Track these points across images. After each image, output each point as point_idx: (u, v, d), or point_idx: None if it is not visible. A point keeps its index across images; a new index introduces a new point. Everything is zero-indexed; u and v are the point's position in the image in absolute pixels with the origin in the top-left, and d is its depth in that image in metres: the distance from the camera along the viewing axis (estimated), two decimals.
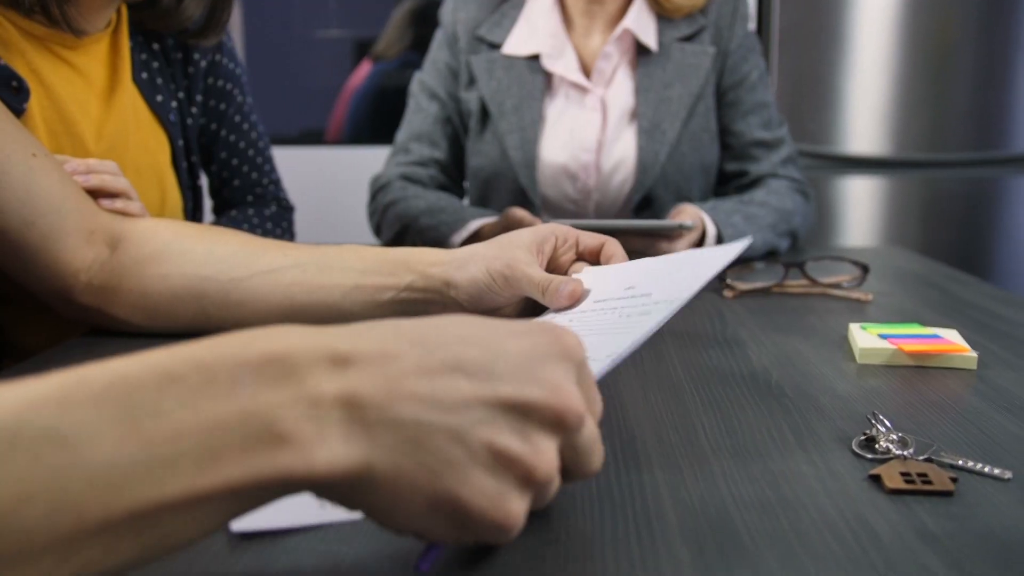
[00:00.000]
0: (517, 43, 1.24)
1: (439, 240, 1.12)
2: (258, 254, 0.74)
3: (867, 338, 0.71)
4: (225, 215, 1.10)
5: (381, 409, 0.33)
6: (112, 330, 0.76)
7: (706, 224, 1.08)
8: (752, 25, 1.30)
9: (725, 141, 1.28)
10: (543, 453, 0.34)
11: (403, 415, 0.33)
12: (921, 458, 0.49)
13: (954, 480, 0.46)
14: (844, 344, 0.74)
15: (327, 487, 0.33)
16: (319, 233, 1.79)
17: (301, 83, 2.52)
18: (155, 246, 0.74)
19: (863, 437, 0.52)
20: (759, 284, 0.95)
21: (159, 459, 0.29)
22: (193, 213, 1.03)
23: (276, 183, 1.16)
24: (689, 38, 1.23)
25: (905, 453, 0.49)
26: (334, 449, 0.32)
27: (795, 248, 1.26)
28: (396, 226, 1.21)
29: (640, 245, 1.01)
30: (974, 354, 0.67)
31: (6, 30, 0.78)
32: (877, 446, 0.51)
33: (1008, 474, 0.47)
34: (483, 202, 1.29)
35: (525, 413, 0.34)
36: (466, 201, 1.34)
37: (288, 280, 0.73)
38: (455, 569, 0.38)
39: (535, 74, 1.23)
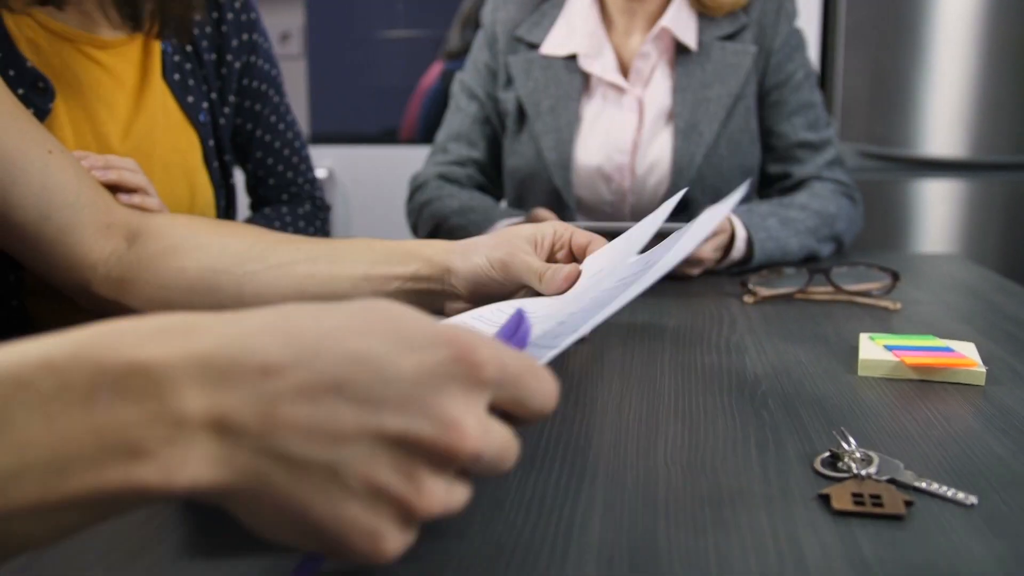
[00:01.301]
0: (555, 43, 1.23)
1: None
2: (271, 248, 0.76)
3: (871, 349, 0.68)
4: (259, 212, 1.12)
5: (254, 438, 0.31)
6: None
7: (735, 227, 1.05)
8: (798, 22, 1.25)
9: (768, 143, 1.24)
10: (428, 493, 0.32)
11: (277, 447, 0.31)
12: (884, 478, 0.46)
13: (909, 504, 0.44)
14: (852, 355, 0.71)
15: (191, 499, 0.31)
16: (392, 230, 1.80)
17: (382, 82, 2.55)
18: (171, 240, 0.77)
19: (827, 454, 0.49)
20: (781, 290, 0.91)
21: (4, 469, 0.28)
22: (226, 211, 1.06)
23: (312, 182, 1.18)
24: (730, 37, 1.20)
25: (864, 472, 0.47)
26: (196, 471, 0.30)
27: (841, 253, 1.21)
28: (430, 225, 1.22)
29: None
30: (982, 369, 0.63)
31: (35, 32, 0.82)
32: (840, 464, 0.48)
33: (972, 499, 0.44)
34: (519, 203, 1.28)
35: (411, 449, 0.32)
36: (504, 203, 1.33)
37: (300, 273, 0.74)
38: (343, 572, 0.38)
39: (572, 74, 1.21)
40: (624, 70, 1.22)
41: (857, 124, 2.04)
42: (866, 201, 1.94)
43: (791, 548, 0.40)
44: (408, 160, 2.80)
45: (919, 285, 0.99)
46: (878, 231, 2.04)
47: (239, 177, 1.15)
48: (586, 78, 1.22)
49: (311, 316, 0.33)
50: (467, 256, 0.71)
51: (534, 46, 1.24)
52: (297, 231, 1.11)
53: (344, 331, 0.33)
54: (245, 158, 1.12)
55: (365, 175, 2.26)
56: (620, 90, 1.20)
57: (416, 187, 1.29)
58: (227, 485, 0.31)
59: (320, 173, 2.28)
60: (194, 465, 0.30)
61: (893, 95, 1.99)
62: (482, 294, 0.72)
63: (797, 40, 1.22)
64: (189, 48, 0.96)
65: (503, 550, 0.39)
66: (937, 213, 2.08)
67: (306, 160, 1.17)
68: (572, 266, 0.68)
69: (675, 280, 1.02)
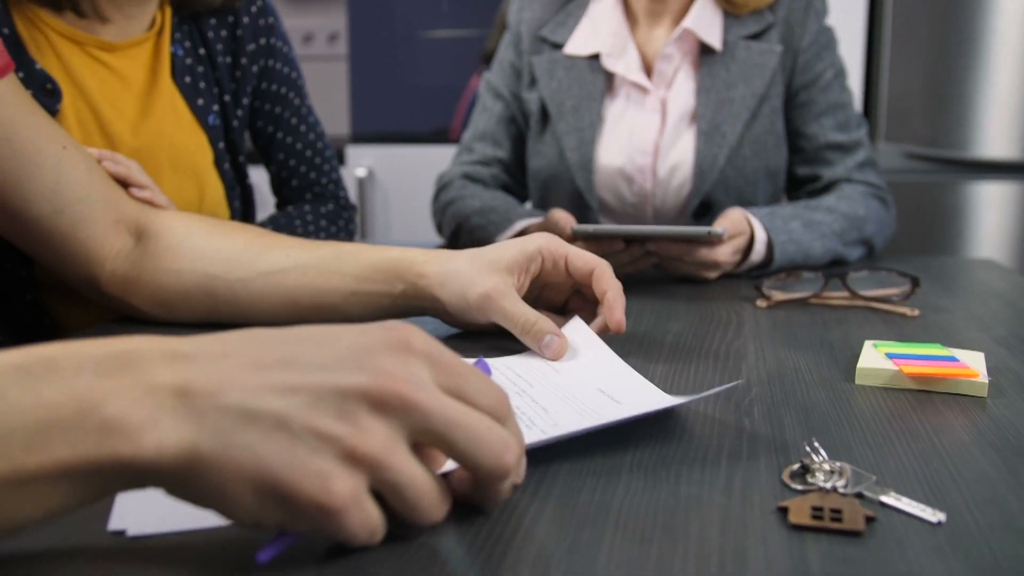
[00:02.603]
0: (579, 43, 1.22)
1: (485, 240, 1.12)
2: (261, 253, 0.76)
3: (872, 357, 0.66)
4: (283, 211, 1.14)
5: (211, 396, 0.35)
6: (137, 318, 0.81)
7: (755, 229, 1.02)
8: (842, 18, 1.22)
9: (797, 144, 1.21)
10: (367, 431, 0.35)
11: (230, 401, 0.35)
12: (852, 492, 0.45)
13: (871, 519, 0.42)
14: (854, 363, 0.68)
15: (160, 474, 0.35)
16: (431, 230, 1.80)
17: (425, 82, 2.55)
18: (170, 240, 0.78)
19: (797, 466, 0.48)
20: (795, 295, 0.89)
21: None
22: (243, 211, 1.07)
23: (336, 182, 1.19)
24: (756, 36, 1.17)
25: (831, 485, 0.45)
26: (162, 433, 0.34)
27: (872, 258, 1.18)
28: (452, 225, 1.22)
29: (678, 251, 0.97)
30: (984, 380, 0.61)
31: (45, 35, 0.84)
32: (808, 476, 0.47)
33: (940, 517, 0.42)
34: (543, 204, 1.28)
35: (347, 396, 0.36)
36: (530, 204, 1.33)
37: (291, 282, 0.75)
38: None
39: (596, 74, 1.20)
40: (648, 70, 1.20)
41: (904, 124, 1.99)
42: (914, 205, 1.88)
43: (735, 561, 0.38)
44: (448, 159, 2.83)
45: (947, 291, 0.96)
46: (927, 236, 1.98)
47: (261, 177, 1.16)
48: (609, 78, 1.21)
49: (264, 329, 0.39)
50: (445, 286, 0.69)
51: (558, 46, 1.24)
52: (319, 230, 1.12)
53: (297, 328, 0.39)
54: (268, 159, 1.14)
55: (405, 174, 2.28)
56: (643, 90, 1.19)
57: (441, 187, 1.30)
58: (189, 446, 0.34)
59: (360, 172, 2.30)
60: (160, 428, 0.34)
61: (943, 94, 1.93)
62: (467, 322, 0.72)
63: (826, 38, 1.19)
64: (202, 51, 0.97)
65: (438, 555, 0.39)
66: (990, 217, 2.01)
67: (329, 160, 1.18)
68: (561, 342, 0.65)
69: (691, 284, 1.00)
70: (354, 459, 0.35)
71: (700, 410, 0.58)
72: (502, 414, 0.39)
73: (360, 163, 2.34)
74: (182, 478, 0.35)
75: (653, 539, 0.40)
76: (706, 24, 1.16)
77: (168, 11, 0.93)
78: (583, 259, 0.70)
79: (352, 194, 2.31)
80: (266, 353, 0.37)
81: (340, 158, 2.34)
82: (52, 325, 0.91)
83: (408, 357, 0.37)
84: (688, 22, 1.15)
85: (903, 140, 2.00)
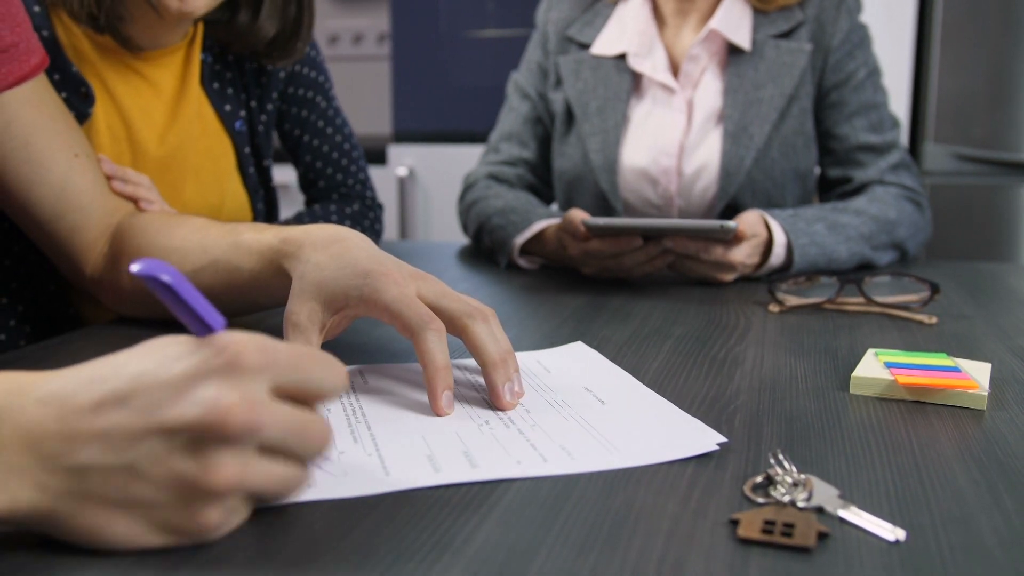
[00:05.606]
0: (606, 43, 1.21)
1: (505, 240, 1.12)
2: (188, 254, 0.73)
3: (870, 366, 0.64)
4: (308, 209, 1.15)
5: (60, 453, 0.36)
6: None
7: (774, 231, 1.00)
8: (889, 15, 1.19)
9: (828, 145, 1.18)
10: (215, 469, 0.37)
11: (79, 461, 0.36)
12: (811, 506, 0.43)
13: (824, 535, 0.40)
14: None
15: (15, 524, 0.37)
16: None
17: (470, 82, 2.54)
18: (130, 243, 0.77)
19: (761, 478, 0.47)
20: (809, 300, 0.87)
21: None
22: (267, 213, 1.09)
23: (363, 183, 1.20)
24: (786, 35, 1.14)
25: (788, 499, 0.43)
26: (10, 495, 0.36)
27: (905, 262, 1.14)
28: (475, 225, 1.22)
29: (694, 248, 0.95)
30: (983, 393, 0.58)
31: (80, 42, 0.86)
32: (771, 489, 0.45)
33: (899, 535, 0.40)
34: (568, 205, 1.26)
35: (190, 435, 0.36)
36: (555, 206, 1.32)
37: (220, 272, 0.71)
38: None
39: (622, 74, 1.19)
40: (675, 70, 1.18)
41: (955, 125, 1.92)
42: (965, 209, 1.82)
43: (672, 574, 0.37)
44: None
45: (973, 298, 0.92)
46: (979, 241, 1.91)
47: (292, 176, 1.18)
48: (636, 78, 1.19)
49: (110, 356, 0.39)
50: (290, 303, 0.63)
51: (585, 46, 1.23)
52: None
53: (126, 357, 0.39)
54: (296, 161, 1.16)
55: (446, 174, 2.28)
56: (669, 91, 1.17)
57: (467, 187, 1.30)
58: (45, 507, 0.36)
59: (401, 172, 2.32)
60: (10, 489, 0.36)
61: (997, 93, 1.86)
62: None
63: (859, 36, 1.15)
64: (230, 57, 0.99)
65: (375, 553, 0.39)
66: None
67: (356, 162, 1.19)
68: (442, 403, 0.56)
69: (707, 286, 0.99)
70: (212, 495, 0.37)
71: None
72: (337, 394, 0.42)
73: (401, 162, 2.35)
74: (36, 526, 0.37)
75: (593, 548, 0.40)
76: (734, 24, 1.14)
77: (201, 22, 0.95)
78: (402, 323, 0.58)
79: (393, 193, 2.32)
80: (101, 394, 0.37)
81: (381, 157, 2.36)
82: (76, 316, 0.94)
83: (241, 379, 0.37)
84: (714, 22, 1.13)
85: (953, 141, 1.93)
